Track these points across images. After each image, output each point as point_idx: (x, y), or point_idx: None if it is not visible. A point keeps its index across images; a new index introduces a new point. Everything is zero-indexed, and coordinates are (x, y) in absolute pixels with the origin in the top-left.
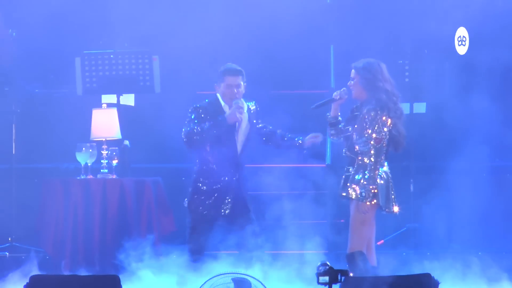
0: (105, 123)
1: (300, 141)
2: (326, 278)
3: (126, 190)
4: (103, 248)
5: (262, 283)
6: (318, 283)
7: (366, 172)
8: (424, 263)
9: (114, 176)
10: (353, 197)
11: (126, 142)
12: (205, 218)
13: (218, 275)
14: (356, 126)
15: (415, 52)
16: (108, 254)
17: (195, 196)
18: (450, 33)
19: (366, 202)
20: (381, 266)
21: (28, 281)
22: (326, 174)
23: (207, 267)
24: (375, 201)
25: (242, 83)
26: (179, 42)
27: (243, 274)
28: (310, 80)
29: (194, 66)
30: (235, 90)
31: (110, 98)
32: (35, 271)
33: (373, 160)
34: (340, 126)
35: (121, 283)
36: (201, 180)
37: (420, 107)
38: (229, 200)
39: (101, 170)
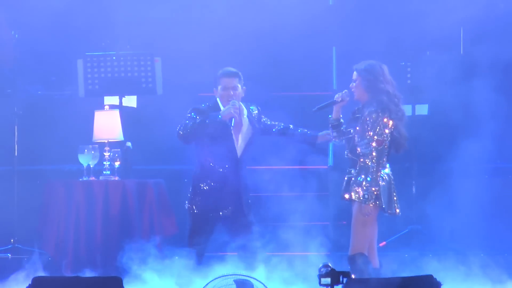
0: (107, 124)
1: (312, 134)
2: (328, 280)
3: (128, 192)
4: (105, 249)
5: (264, 285)
6: (320, 284)
7: (368, 174)
8: (426, 265)
9: (116, 178)
10: (355, 199)
11: (128, 144)
12: (205, 220)
13: (220, 277)
14: (357, 128)
15: (417, 54)
16: (110, 256)
17: (194, 198)
18: (452, 34)
19: (369, 204)
20: (383, 268)
21: (30, 282)
22: (328, 175)
23: (209, 269)
24: (377, 203)
25: (239, 85)
26: (181, 44)
27: (245, 275)
28: (312, 81)
29: (196, 68)
30: (231, 92)
31: (112, 100)
32: (37, 273)
33: (375, 162)
34: (342, 128)
35: (123, 285)
36: (200, 182)
37: (422, 109)
38: (228, 202)
39: (103, 172)
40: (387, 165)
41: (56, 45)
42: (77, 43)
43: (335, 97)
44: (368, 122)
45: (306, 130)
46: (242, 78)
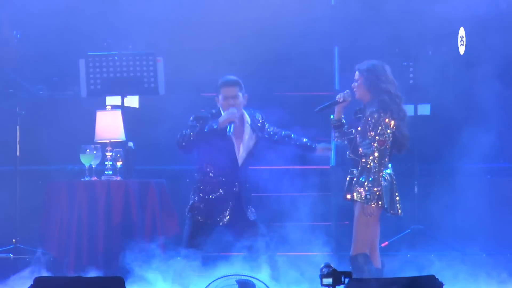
0: (110, 124)
1: (311, 145)
2: (330, 280)
3: (130, 192)
4: (107, 249)
5: (266, 285)
6: (322, 285)
7: (370, 174)
8: (429, 265)
9: (119, 178)
10: (357, 199)
11: (130, 144)
12: (204, 226)
13: (222, 277)
14: (359, 128)
15: (420, 54)
16: (112, 256)
17: (194, 205)
18: (455, 34)
19: (371, 204)
20: (385, 268)
21: (32, 282)
22: (330, 176)
23: (211, 269)
24: (379, 203)
25: (239, 93)
26: (183, 43)
27: (247, 276)
28: (314, 81)
29: (199, 67)
30: (232, 101)
31: (115, 100)
32: (40, 273)
33: (377, 162)
34: (343, 128)
35: (125, 285)
36: (201, 188)
37: (425, 109)
38: (228, 211)
39: (106, 172)
40: (389, 165)
41: (58, 45)
42: (79, 43)
43: (337, 97)
44: (370, 122)
45: (306, 140)
46: (243, 86)
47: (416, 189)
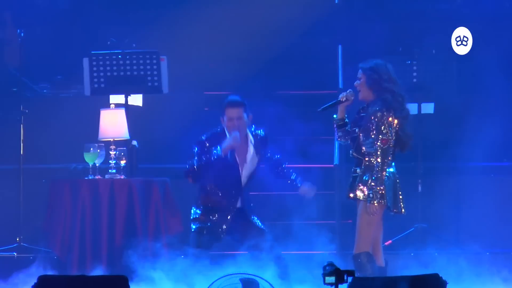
0: (113, 123)
1: (297, 184)
2: (332, 279)
3: (134, 191)
4: (111, 248)
5: (270, 284)
6: (325, 283)
7: (373, 173)
8: (432, 263)
9: (122, 177)
10: (360, 198)
11: (134, 143)
12: (209, 230)
13: (225, 276)
14: (362, 127)
15: (423, 53)
16: (115, 255)
17: (198, 216)
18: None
19: (374, 203)
20: (388, 267)
21: (36, 281)
22: (334, 174)
23: (215, 268)
24: (382, 202)
25: (243, 114)
26: (187, 42)
27: (251, 274)
28: (318, 80)
29: (202, 66)
30: (236, 123)
31: (118, 99)
32: (43, 271)
33: (380, 161)
34: (347, 128)
35: (129, 284)
36: (203, 204)
37: (428, 108)
38: (230, 217)
39: (109, 171)
40: (392, 164)
41: (62, 44)
42: (83, 42)
43: (340, 97)
44: (373, 121)
45: (293, 178)
46: (247, 107)
47: (420, 188)
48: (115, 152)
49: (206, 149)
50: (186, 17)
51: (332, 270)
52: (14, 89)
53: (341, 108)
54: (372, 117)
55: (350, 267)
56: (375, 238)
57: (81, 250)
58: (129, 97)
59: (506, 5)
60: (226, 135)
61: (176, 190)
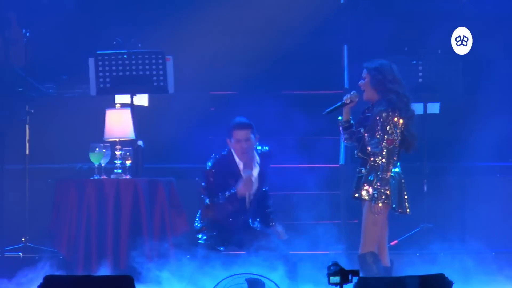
0: (119, 123)
1: (271, 224)
2: (337, 279)
3: (140, 191)
4: (117, 248)
5: (276, 284)
6: (329, 283)
7: (378, 173)
8: (438, 264)
9: (128, 177)
10: (366, 198)
11: (140, 143)
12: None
13: (231, 276)
14: (367, 127)
15: (429, 52)
16: (121, 254)
17: (203, 223)
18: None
19: (379, 203)
20: (394, 267)
21: (42, 281)
22: (339, 174)
23: (220, 268)
24: (387, 202)
25: (251, 135)
26: (193, 42)
27: (256, 274)
28: (323, 80)
29: (208, 66)
30: (244, 144)
31: (124, 99)
32: (49, 271)
33: (385, 161)
34: (352, 129)
35: (135, 284)
36: (209, 225)
37: (434, 108)
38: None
39: (115, 171)
40: (398, 164)
41: (67, 44)
42: (88, 42)
43: (344, 99)
44: (378, 121)
45: (270, 218)
46: (255, 128)
47: (425, 188)
48: (120, 152)
49: (212, 180)
50: (192, 17)
51: (337, 270)
52: (19, 89)
53: (346, 110)
54: (378, 117)
55: (356, 267)
56: (381, 238)
57: (86, 250)
58: (134, 97)
59: (511, 2)
60: (233, 157)
61: (181, 190)
